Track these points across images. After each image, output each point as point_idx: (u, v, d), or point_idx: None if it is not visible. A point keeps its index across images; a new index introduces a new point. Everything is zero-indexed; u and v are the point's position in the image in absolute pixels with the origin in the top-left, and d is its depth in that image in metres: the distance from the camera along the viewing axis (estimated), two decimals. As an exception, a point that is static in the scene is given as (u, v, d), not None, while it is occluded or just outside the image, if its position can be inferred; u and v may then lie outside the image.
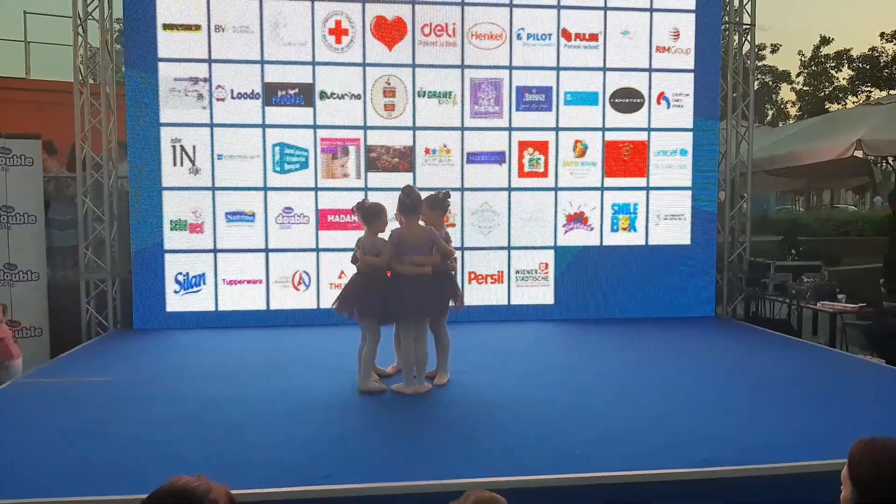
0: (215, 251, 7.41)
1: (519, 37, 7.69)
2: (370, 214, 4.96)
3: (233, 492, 1.67)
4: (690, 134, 7.98)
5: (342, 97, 7.49)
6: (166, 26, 7.20)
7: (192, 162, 7.32)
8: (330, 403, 4.74)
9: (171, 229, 7.32)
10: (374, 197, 7.26)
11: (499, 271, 7.84)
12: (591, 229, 7.94)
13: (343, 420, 4.45)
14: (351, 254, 5.12)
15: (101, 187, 7.32)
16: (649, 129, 7.94)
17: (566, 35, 7.76)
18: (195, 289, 7.41)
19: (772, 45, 31.14)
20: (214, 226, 7.38)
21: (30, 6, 12.09)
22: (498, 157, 7.75)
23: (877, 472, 1.84)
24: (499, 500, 1.95)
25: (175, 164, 7.29)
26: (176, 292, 7.38)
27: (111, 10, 7.44)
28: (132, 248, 7.30)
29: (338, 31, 7.45)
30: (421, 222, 4.95)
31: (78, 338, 7.12)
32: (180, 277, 7.38)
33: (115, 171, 7.43)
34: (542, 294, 7.91)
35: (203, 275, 7.41)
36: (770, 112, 32.81)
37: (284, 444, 3.86)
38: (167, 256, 7.33)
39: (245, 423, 4.25)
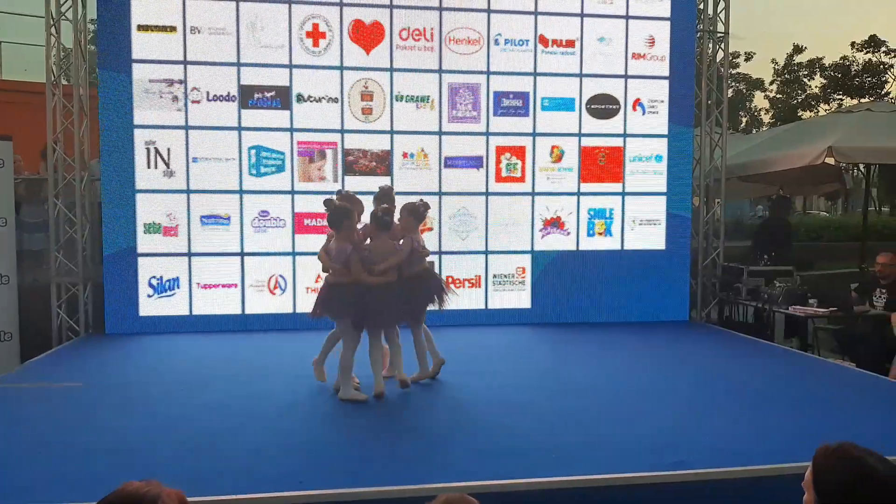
0: (190, 255, 7.33)
1: (496, 42, 7.72)
2: (337, 218, 4.87)
3: (200, 499, 1.65)
4: (665, 140, 8.07)
5: (319, 100, 7.47)
6: (141, 27, 7.13)
7: (167, 164, 7.24)
8: (305, 409, 4.71)
9: (145, 232, 7.24)
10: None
11: (476, 275, 7.85)
12: (568, 234, 7.98)
13: (317, 426, 4.42)
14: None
15: (73, 189, 7.22)
16: (625, 135, 8.02)
17: (543, 41, 7.80)
18: (169, 293, 7.32)
19: (745, 53, 31.45)
20: (189, 229, 7.31)
21: (1, 5, 11.90)
22: (475, 162, 7.77)
23: (840, 481, 1.84)
24: (470, 502, 1.94)
25: (149, 167, 7.22)
26: (149, 296, 7.29)
27: (85, 10, 7.33)
28: (104, 251, 7.21)
29: (315, 34, 7.42)
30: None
31: (48, 342, 7.01)
32: (154, 281, 7.29)
33: (87, 174, 7.33)
34: (519, 298, 7.93)
35: (177, 279, 7.33)
36: (744, 119, 33.19)
37: (258, 452, 3.82)
38: (140, 260, 7.24)
39: (218, 430, 4.20)
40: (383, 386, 4.84)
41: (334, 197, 5.19)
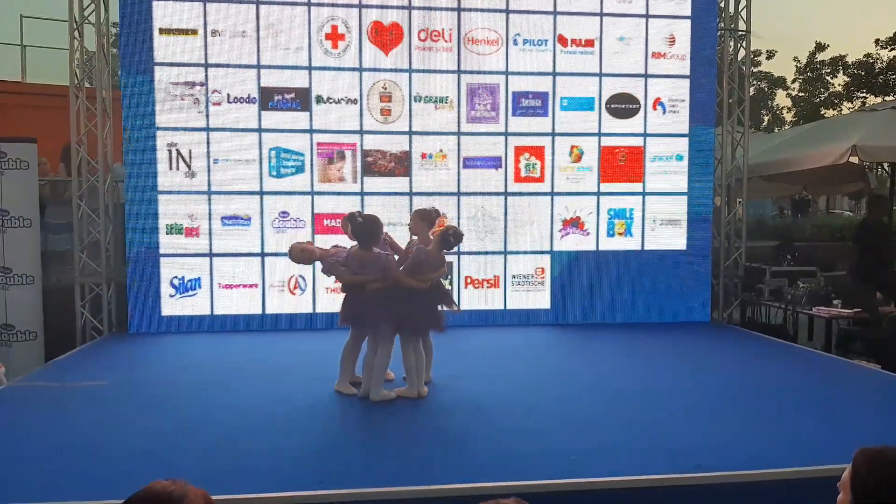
0: (211, 255, 7.40)
1: (515, 42, 7.71)
2: (363, 233, 4.86)
3: (224, 497, 1.67)
4: (686, 139, 8.00)
5: (338, 102, 7.50)
6: (163, 30, 7.20)
7: (188, 166, 7.31)
8: (324, 408, 4.73)
9: (167, 233, 7.31)
10: (370, 201, 7.33)
11: (495, 276, 7.84)
12: (587, 234, 7.95)
13: (337, 427, 4.44)
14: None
15: (96, 191, 7.32)
16: (645, 135, 7.96)
17: (562, 41, 7.78)
18: (191, 293, 7.39)
19: (767, 51, 31.13)
20: (210, 230, 7.37)
21: (26, 10, 12.07)
22: (494, 162, 7.76)
23: (878, 482, 1.84)
24: None
25: (171, 168, 7.29)
26: (171, 296, 7.37)
27: (107, 14, 7.43)
28: (127, 251, 7.30)
29: (334, 36, 7.45)
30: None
31: (73, 342, 7.11)
32: (176, 281, 7.36)
33: (110, 175, 7.42)
34: (539, 299, 7.91)
35: (199, 279, 7.40)
36: (766, 118, 32.84)
37: (278, 452, 3.84)
38: (163, 260, 7.32)
39: (238, 430, 4.23)
40: (425, 389, 5.00)
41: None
